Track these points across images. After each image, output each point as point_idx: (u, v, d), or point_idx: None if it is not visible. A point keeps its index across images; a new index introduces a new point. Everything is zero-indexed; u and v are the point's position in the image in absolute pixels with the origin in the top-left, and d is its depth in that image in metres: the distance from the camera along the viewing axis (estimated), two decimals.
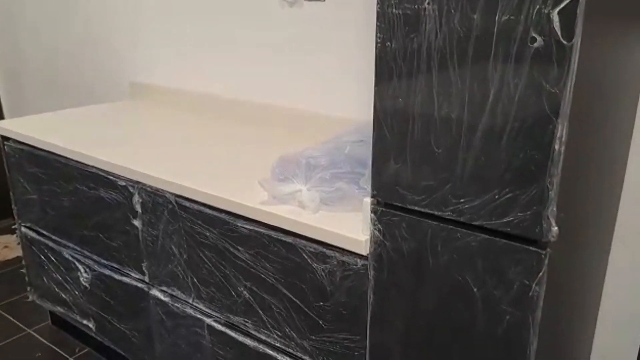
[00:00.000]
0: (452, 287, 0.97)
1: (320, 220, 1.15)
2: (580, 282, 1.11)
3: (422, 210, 0.97)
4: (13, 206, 1.99)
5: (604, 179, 1.12)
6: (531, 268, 0.87)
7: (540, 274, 0.86)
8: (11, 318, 2.20)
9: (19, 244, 2.70)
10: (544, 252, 0.85)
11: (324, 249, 1.15)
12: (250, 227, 1.26)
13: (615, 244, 1.26)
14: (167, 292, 1.54)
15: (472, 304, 0.95)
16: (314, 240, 1.16)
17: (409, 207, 0.98)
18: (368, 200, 1.05)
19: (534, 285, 0.87)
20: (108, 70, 2.37)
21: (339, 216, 1.16)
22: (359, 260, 1.10)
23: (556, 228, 0.82)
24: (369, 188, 1.04)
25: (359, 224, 1.10)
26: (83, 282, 1.79)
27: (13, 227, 2.11)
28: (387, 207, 1.02)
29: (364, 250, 1.07)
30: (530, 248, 0.86)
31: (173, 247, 1.46)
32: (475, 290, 0.94)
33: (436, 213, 0.95)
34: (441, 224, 0.96)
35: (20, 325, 2.16)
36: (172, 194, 1.41)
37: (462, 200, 0.91)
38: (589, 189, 1.02)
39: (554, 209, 0.82)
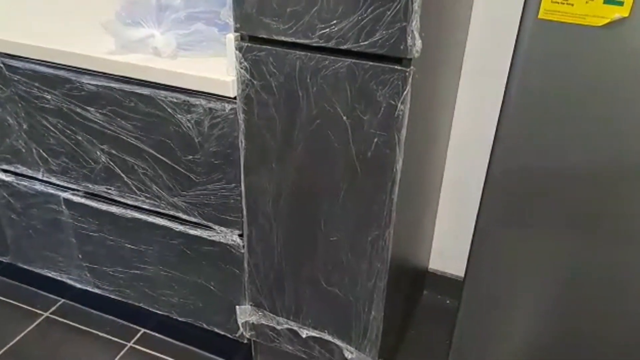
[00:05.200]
0: (323, 119, 0.97)
1: (179, 66, 1.06)
2: (437, 104, 1.19)
3: (289, 40, 0.93)
4: None
5: (457, 5, 1.16)
6: (397, 88, 0.89)
7: (405, 92, 0.89)
8: None
9: None
10: (408, 70, 0.87)
11: (187, 97, 1.07)
12: (99, 83, 1.13)
13: (464, 69, 1.35)
14: (9, 170, 1.36)
15: (344, 133, 0.97)
16: (175, 88, 1.07)
17: (275, 37, 0.94)
18: (231, 35, 0.98)
19: (399, 105, 0.90)
20: None
21: (199, 61, 1.08)
22: (226, 104, 1.05)
23: (420, 42, 0.84)
24: (231, 22, 0.97)
25: (222, 67, 1.04)
26: None
27: None
28: (252, 41, 0.97)
29: (232, 92, 1.02)
30: (396, 67, 0.88)
31: (8, 117, 1.27)
32: (345, 118, 0.95)
33: (304, 41, 0.92)
34: (309, 53, 0.93)
35: None
36: None
37: (329, 24, 0.88)
38: (446, 12, 1.05)
39: (418, 23, 0.83)
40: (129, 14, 1.10)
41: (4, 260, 1.55)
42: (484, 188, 1.00)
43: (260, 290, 1.21)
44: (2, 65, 1.20)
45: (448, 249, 1.57)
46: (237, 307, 1.26)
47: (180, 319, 1.37)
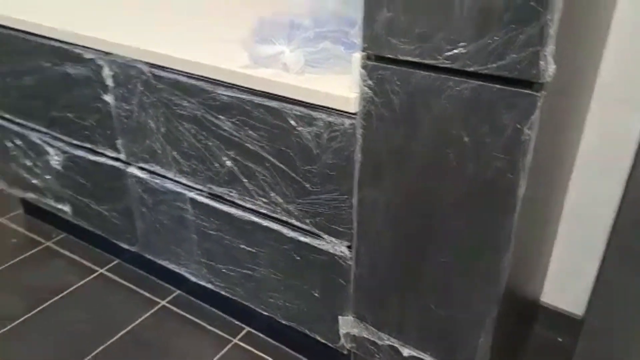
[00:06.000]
0: (443, 138, 0.97)
1: (306, 81, 1.12)
2: (565, 128, 1.14)
3: (415, 60, 0.94)
4: None
5: (595, 24, 1.11)
6: (525, 112, 0.87)
7: (533, 117, 0.87)
8: None
9: None
10: (538, 95, 0.85)
11: (310, 111, 1.12)
12: (231, 94, 1.22)
13: (596, 93, 1.28)
14: (145, 168, 1.51)
15: (463, 154, 0.96)
16: (300, 102, 1.13)
17: (401, 58, 0.96)
18: (358, 55, 1.01)
19: (525, 130, 0.88)
20: None
21: (324, 77, 1.13)
22: (346, 119, 1.08)
23: (554, 66, 0.82)
24: (358, 42, 1.00)
25: (346, 84, 1.08)
26: (55, 166, 1.74)
27: None
28: (377, 60, 0.99)
29: (353, 108, 1.06)
30: (526, 91, 0.86)
31: (150, 121, 1.41)
32: (466, 139, 0.95)
33: (429, 62, 0.93)
34: (434, 74, 0.94)
35: None
36: (145, 63, 1.34)
37: (457, 46, 0.89)
38: (581, 36, 1.01)
39: (554, 47, 0.81)
40: (263, 31, 1.18)
41: (132, 250, 1.71)
42: (616, 217, 0.93)
43: (365, 303, 1.22)
44: (150, 74, 1.34)
45: (564, 283, 1.48)
46: (340, 317, 1.28)
47: (283, 322, 1.42)
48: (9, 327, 1.61)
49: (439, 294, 1.10)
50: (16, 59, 1.62)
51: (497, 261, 1.00)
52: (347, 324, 1.27)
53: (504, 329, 1.17)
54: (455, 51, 0.89)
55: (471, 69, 0.89)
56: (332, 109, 1.09)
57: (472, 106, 0.92)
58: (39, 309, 1.68)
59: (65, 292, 1.75)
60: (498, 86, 0.88)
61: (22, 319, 1.64)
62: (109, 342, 1.57)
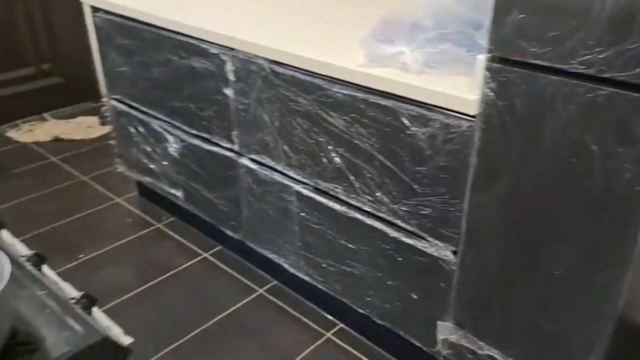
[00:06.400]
0: (569, 147, 0.94)
1: (424, 82, 1.13)
2: None
3: (545, 64, 0.92)
4: (103, 78, 2.05)
5: None
6: None
7: None
8: (101, 188, 2.36)
9: (102, 124, 2.84)
10: None
11: (426, 112, 1.13)
12: (347, 92, 1.26)
13: None
14: (256, 160, 1.58)
15: (589, 163, 0.92)
16: (416, 102, 1.14)
17: (529, 61, 0.94)
18: (482, 57, 1.01)
19: None
20: None
21: (443, 79, 1.13)
22: (464, 122, 1.08)
23: None
24: (484, 43, 1.00)
25: (465, 86, 1.07)
26: (172, 153, 1.87)
27: (101, 106, 2.19)
28: (503, 63, 0.98)
29: (473, 110, 1.05)
30: None
31: (265, 115, 1.48)
32: (594, 148, 0.91)
33: (561, 67, 0.90)
34: (564, 79, 0.91)
35: (110, 194, 2.31)
36: (266, 59, 1.41)
37: (593, 51, 0.86)
38: None
39: None
40: (383, 32, 1.21)
41: (235, 237, 1.79)
42: None
43: (466, 310, 1.21)
44: (269, 70, 1.41)
45: None
46: (439, 322, 1.27)
47: (378, 321, 1.43)
48: (124, 297, 1.76)
49: (549, 307, 1.06)
50: (147, 52, 1.77)
51: (617, 277, 0.95)
52: (446, 330, 1.26)
53: (615, 352, 1.11)
54: (590, 56, 0.86)
55: (606, 75, 0.86)
56: (450, 110, 1.09)
57: (604, 114, 0.88)
58: (148, 285, 1.81)
59: (171, 272, 1.87)
60: (635, 94, 0.84)
61: (134, 292, 1.78)
62: (209, 323, 1.66)
